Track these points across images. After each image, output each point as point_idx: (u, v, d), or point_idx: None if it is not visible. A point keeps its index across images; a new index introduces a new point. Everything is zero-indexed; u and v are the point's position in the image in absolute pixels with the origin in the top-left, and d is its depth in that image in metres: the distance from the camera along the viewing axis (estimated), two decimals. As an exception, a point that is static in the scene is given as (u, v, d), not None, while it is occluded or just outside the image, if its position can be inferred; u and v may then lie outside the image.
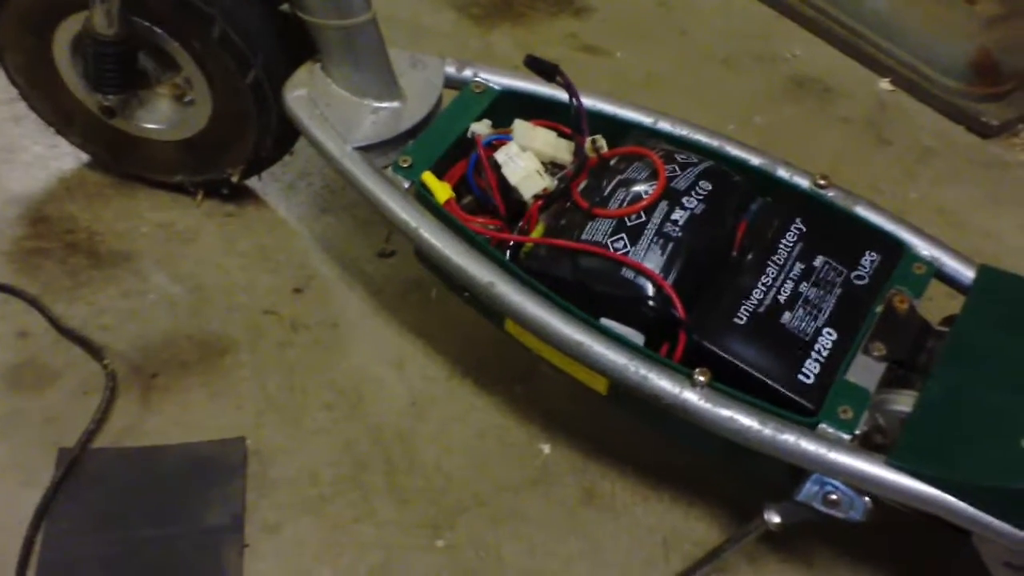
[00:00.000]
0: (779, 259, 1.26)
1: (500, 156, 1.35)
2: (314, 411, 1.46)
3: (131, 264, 1.61)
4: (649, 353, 1.19)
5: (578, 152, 1.37)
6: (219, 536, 1.32)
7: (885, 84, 2.11)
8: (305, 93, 1.44)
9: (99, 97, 1.52)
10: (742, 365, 1.18)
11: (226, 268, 1.63)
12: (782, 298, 1.22)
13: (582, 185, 1.33)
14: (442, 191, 1.34)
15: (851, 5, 2.19)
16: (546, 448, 1.45)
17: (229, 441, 1.40)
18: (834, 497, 1.12)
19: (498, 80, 1.49)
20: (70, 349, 1.49)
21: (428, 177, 1.35)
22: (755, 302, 1.22)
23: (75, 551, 1.29)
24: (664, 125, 1.45)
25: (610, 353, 1.19)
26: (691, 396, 1.15)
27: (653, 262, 1.22)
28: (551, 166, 1.38)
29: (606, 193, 1.29)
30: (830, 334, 1.20)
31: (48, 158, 1.74)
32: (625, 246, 1.24)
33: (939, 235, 1.34)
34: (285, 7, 1.43)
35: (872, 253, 1.29)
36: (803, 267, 1.26)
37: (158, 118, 1.60)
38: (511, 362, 1.51)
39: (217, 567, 1.29)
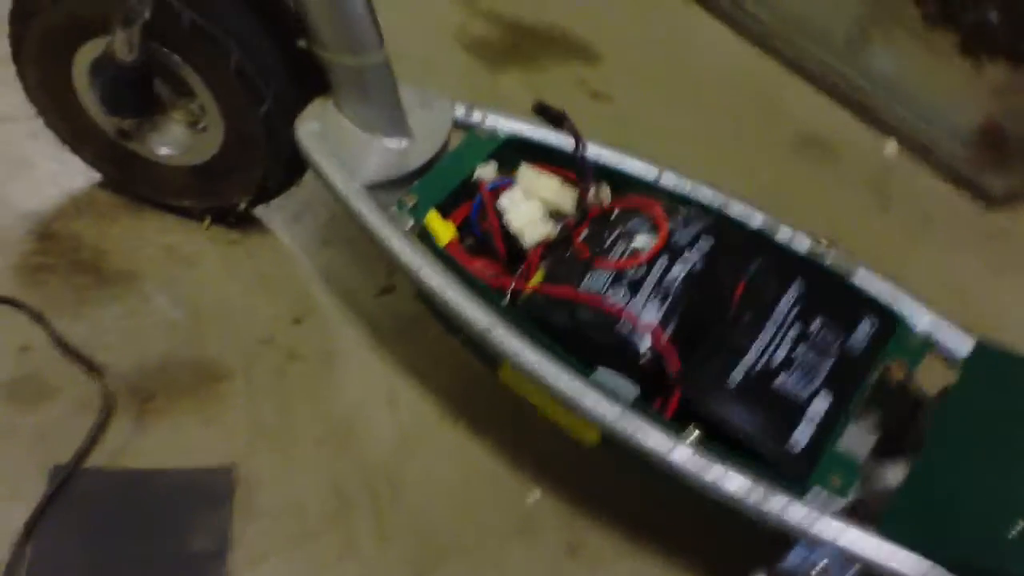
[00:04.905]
0: (776, 320, 1.27)
1: (504, 201, 1.37)
2: (305, 443, 1.47)
3: (134, 284, 1.62)
4: (642, 407, 1.20)
5: (581, 201, 1.38)
6: (203, 562, 1.32)
7: (891, 146, 2.13)
8: (317, 127, 1.46)
9: (115, 120, 1.54)
10: (733, 425, 1.18)
11: (227, 294, 1.63)
12: (777, 360, 1.23)
13: (584, 234, 1.34)
14: (445, 232, 1.35)
15: (860, 66, 2.21)
16: (534, 495, 1.45)
17: (219, 470, 1.41)
18: (822, 566, 1.12)
19: (506, 124, 1.50)
20: (70, 366, 1.50)
21: (432, 217, 1.36)
22: (750, 362, 1.22)
23: (61, 568, 1.29)
24: (668, 178, 1.46)
25: (602, 405, 1.19)
26: (681, 454, 1.15)
27: (651, 316, 1.23)
28: (554, 213, 1.39)
29: (607, 244, 1.30)
30: (824, 400, 1.21)
31: (60, 175, 1.76)
32: (624, 298, 1.24)
33: (938, 303, 1.34)
34: (301, 43, 1.45)
35: (869, 320, 1.29)
36: (800, 330, 1.26)
37: (171, 143, 1.62)
38: (504, 405, 1.50)
39: (199, 594, 1.29)
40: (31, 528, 1.31)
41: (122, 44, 1.42)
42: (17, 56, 1.59)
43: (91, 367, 1.49)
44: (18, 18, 1.52)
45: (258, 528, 1.36)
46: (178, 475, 1.40)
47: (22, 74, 1.61)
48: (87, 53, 1.52)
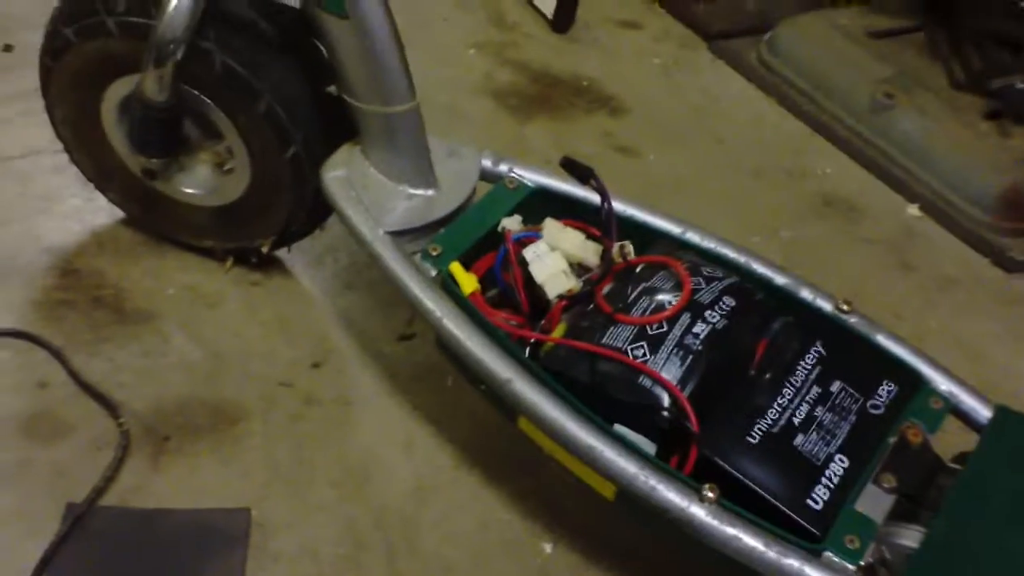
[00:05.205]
0: (796, 381, 1.27)
1: (528, 253, 1.37)
2: (320, 487, 1.46)
3: (154, 324, 1.63)
4: (659, 464, 1.19)
5: (605, 256, 1.38)
6: (214, 606, 1.32)
7: (913, 210, 2.13)
8: (343, 173, 1.47)
9: (142, 159, 1.55)
10: (751, 484, 1.17)
11: (246, 336, 1.64)
12: (796, 420, 1.23)
13: (606, 289, 1.34)
14: (468, 282, 1.36)
15: (884, 129, 2.22)
16: (548, 547, 1.44)
17: (235, 511, 1.40)
18: (835, 628, 1.11)
19: (532, 177, 1.51)
20: (87, 404, 1.50)
21: (455, 267, 1.37)
22: (769, 422, 1.22)
23: (72, 606, 1.29)
24: (692, 236, 1.46)
25: (621, 460, 1.19)
26: (698, 511, 1.15)
27: (671, 373, 1.23)
28: (578, 267, 1.39)
29: (630, 300, 1.30)
30: (842, 461, 1.20)
31: (84, 211, 1.78)
32: (644, 354, 1.24)
33: (956, 367, 1.34)
34: (332, 89, 1.47)
35: (890, 383, 1.29)
36: (820, 391, 1.26)
37: (196, 183, 1.63)
38: (520, 455, 1.51)
39: (209, 638, 1.29)
40: (45, 565, 1.31)
41: (153, 83, 1.43)
42: (46, 90, 1.61)
43: (108, 405, 1.49)
44: (50, 52, 1.54)
45: (272, 572, 1.36)
46: (193, 516, 1.39)
47: (50, 108, 1.63)
48: (117, 91, 1.54)
